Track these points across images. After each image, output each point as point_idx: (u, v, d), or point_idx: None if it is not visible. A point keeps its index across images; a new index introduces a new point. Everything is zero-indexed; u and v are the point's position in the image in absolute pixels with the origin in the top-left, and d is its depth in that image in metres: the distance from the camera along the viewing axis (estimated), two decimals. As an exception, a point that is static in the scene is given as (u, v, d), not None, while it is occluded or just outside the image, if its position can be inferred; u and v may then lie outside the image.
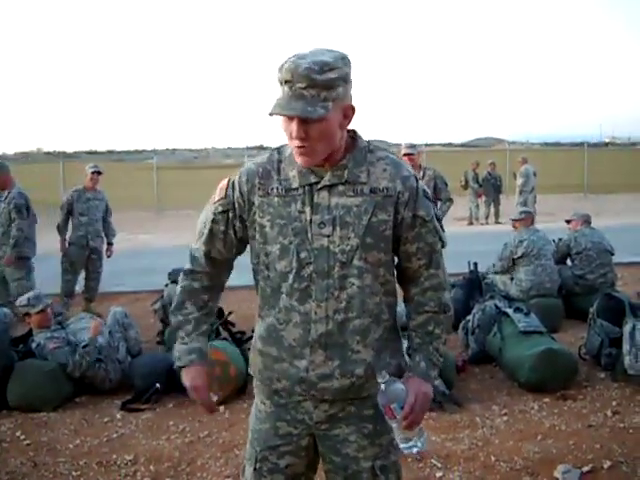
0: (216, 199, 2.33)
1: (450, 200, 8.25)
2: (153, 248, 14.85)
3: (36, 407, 5.48)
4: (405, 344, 2.39)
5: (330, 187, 2.16)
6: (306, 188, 2.17)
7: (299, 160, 2.13)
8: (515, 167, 19.84)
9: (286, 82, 2.02)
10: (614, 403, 5.32)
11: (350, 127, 2.19)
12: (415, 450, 2.20)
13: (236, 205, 2.28)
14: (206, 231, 2.35)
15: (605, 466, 4.26)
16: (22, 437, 5.02)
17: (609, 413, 5.12)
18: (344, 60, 2.07)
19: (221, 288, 2.49)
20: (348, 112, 2.13)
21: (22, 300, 6.03)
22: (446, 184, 8.31)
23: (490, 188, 19.70)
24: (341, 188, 2.16)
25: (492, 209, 19.89)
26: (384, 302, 2.26)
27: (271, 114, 2.06)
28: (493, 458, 4.43)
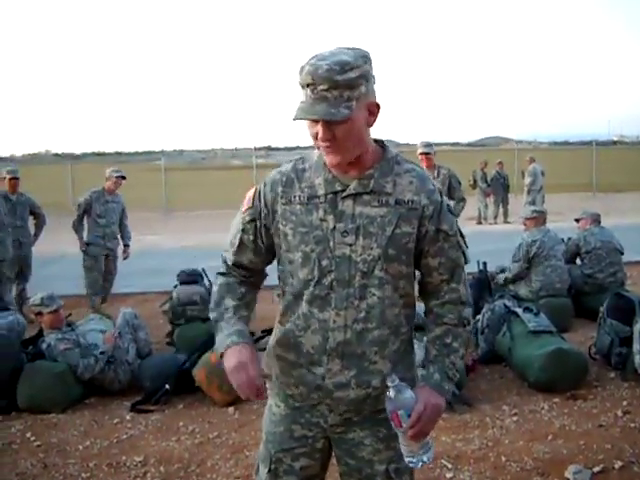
0: (244, 208, 2.33)
1: (463, 200, 8.27)
2: (161, 249, 14.87)
3: (46, 408, 5.50)
4: (419, 354, 2.36)
5: (355, 196, 2.15)
6: (329, 196, 2.17)
7: (328, 159, 2.12)
8: (523, 166, 19.81)
9: (308, 85, 2.01)
10: (625, 403, 5.30)
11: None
12: (420, 465, 2.14)
13: (262, 214, 2.27)
14: (237, 241, 2.34)
15: (616, 466, 4.24)
16: (32, 438, 5.03)
17: (620, 413, 5.10)
18: (364, 58, 2.06)
19: (257, 287, 2.45)
20: (373, 109, 2.12)
21: (35, 299, 6.04)
22: (460, 183, 8.33)
23: (499, 187, 19.68)
24: (366, 197, 2.15)
25: (501, 208, 19.86)
26: (403, 314, 2.24)
27: (295, 119, 2.05)
28: (503, 458, 4.42)
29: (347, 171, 2.16)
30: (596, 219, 8.41)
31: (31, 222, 9.28)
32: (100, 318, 7.12)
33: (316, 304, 2.18)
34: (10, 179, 8.88)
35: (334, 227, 2.15)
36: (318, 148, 2.13)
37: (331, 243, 2.15)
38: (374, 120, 2.14)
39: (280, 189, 2.24)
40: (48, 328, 5.92)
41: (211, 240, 15.28)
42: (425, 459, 2.13)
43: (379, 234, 2.13)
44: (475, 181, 19.82)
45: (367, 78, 2.07)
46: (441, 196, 2.22)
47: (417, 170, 2.23)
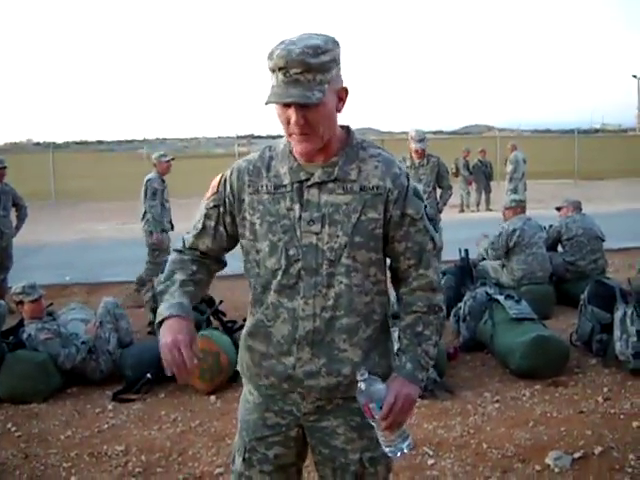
0: (209, 195, 2.32)
1: (450, 188, 8.35)
2: (144, 238, 14.78)
3: (26, 398, 5.47)
4: (396, 343, 2.36)
5: (320, 184, 2.14)
6: (295, 185, 2.16)
7: (299, 147, 2.10)
8: (506, 154, 19.86)
9: (280, 69, 1.99)
10: (605, 389, 5.33)
11: (339, 116, 2.16)
12: (399, 454, 2.12)
13: (227, 201, 2.26)
14: (199, 225, 2.34)
15: (596, 452, 4.27)
16: (13, 428, 5.00)
17: (600, 399, 5.13)
18: (334, 42, 2.05)
19: (210, 272, 2.41)
20: (342, 94, 2.12)
21: (17, 288, 6.00)
22: (447, 172, 8.39)
23: (481, 175, 19.71)
24: (331, 186, 2.14)
25: (483, 196, 19.90)
26: (376, 301, 2.23)
27: (268, 103, 2.03)
28: (485, 445, 4.44)
29: (313, 158, 2.15)
30: (577, 207, 8.46)
31: (12, 214, 9.19)
32: (81, 307, 7.09)
33: (284, 293, 2.18)
34: None
35: (300, 216, 2.14)
36: (289, 135, 2.11)
37: (298, 232, 2.14)
38: (343, 105, 2.14)
39: (247, 178, 2.23)
40: (29, 318, 5.88)
41: (193, 229, 15.26)
42: (404, 448, 2.11)
43: (344, 222, 2.12)
44: (457, 169, 19.84)
45: (337, 62, 2.06)
46: (408, 180, 2.20)
47: (383, 155, 2.22)
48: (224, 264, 2.46)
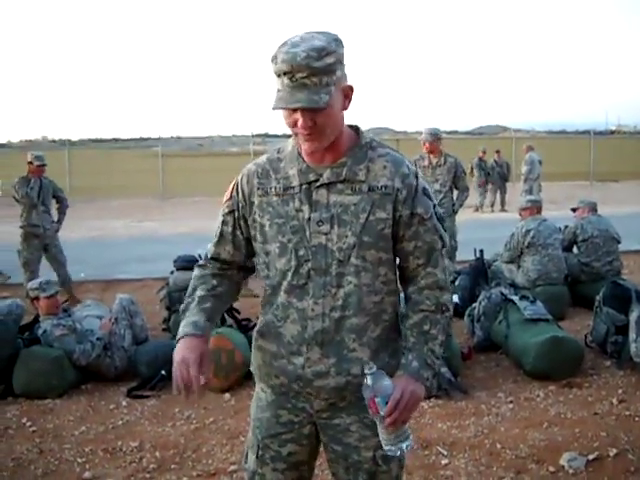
0: (224, 200, 2.34)
1: (467, 189, 8.29)
2: (158, 235, 14.85)
3: (42, 394, 5.50)
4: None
5: (329, 185, 2.15)
6: (304, 187, 2.16)
7: (306, 146, 2.10)
8: (521, 155, 19.77)
9: (285, 73, 1.99)
10: (620, 391, 5.31)
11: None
12: (398, 453, 2.11)
13: (239, 206, 2.28)
14: (217, 232, 2.36)
15: (611, 454, 4.25)
16: (28, 424, 5.03)
17: (615, 401, 5.11)
18: (337, 42, 2.05)
19: (233, 282, 2.42)
20: (348, 92, 2.12)
21: (34, 283, 6.04)
22: (465, 173, 8.36)
23: (496, 176, 19.65)
24: (340, 186, 2.15)
25: (498, 197, 19.83)
26: (387, 302, 2.23)
27: (275, 108, 2.03)
28: (499, 445, 4.43)
29: (322, 158, 2.16)
30: (593, 208, 8.43)
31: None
32: (96, 304, 7.12)
33: (294, 294, 2.18)
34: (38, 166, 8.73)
35: (309, 217, 2.15)
36: (296, 135, 2.12)
37: (307, 233, 2.15)
38: (349, 103, 2.14)
39: (256, 181, 2.24)
40: (44, 314, 5.91)
41: (208, 226, 15.31)
42: (404, 447, 2.10)
43: (353, 222, 2.13)
44: (472, 169, 19.77)
45: (341, 62, 2.06)
46: (417, 179, 2.19)
47: (391, 154, 2.21)
48: (251, 270, 2.46)
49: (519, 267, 7.83)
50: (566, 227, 8.38)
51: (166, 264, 7.96)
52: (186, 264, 7.31)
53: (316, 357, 2.18)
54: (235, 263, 2.39)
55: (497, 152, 20.38)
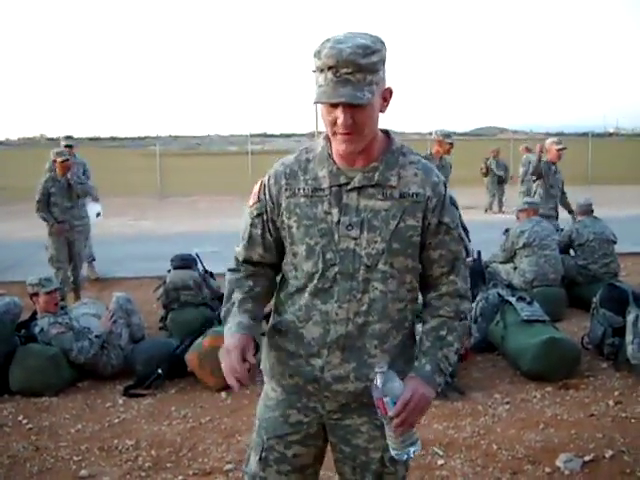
0: (251, 203, 2.30)
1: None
2: (156, 234, 14.83)
3: (38, 392, 5.49)
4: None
5: (360, 189, 2.13)
6: (333, 189, 2.14)
7: (342, 147, 2.07)
8: (519, 156, 19.72)
9: (330, 68, 1.97)
10: (616, 393, 5.32)
11: None
12: (405, 457, 2.10)
13: (268, 208, 2.25)
14: (246, 236, 2.32)
15: (607, 455, 4.26)
16: (24, 421, 5.02)
17: (611, 403, 5.11)
18: (382, 43, 2.04)
19: (270, 280, 2.39)
20: (387, 95, 2.10)
21: (33, 279, 6.02)
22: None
23: (494, 177, 19.59)
24: (371, 191, 2.13)
25: (496, 198, 19.77)
26: (409, 309, 2.23)
27: (317, 102, 2.02)
28: (495, 446, 4.44)
29: (354, 161, 2.14)
30: (587, 210, 8.41)
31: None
32: (93, 302, 7.11)
33: (319, 296, 2.17)
34: (61, 162, 8.59)
35: (339, 220, 2.13)
36: (332, 134, 2.08)
37: (335, 236, 2.13)
38: (387, 106, 2.12)
39: (284, 181, 2.21)
40: (42, 311, 5.90)
41: (205, 225, 15.28)
42: (411, 452, 2.09)
43: (383, 228, 2.11)
44: (487, 169, 19.63)
45: (384, 63, 2.05)
46: (445, 188, 2.19)
47: (422, 162, 2.21)
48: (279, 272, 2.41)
49: (515, 268, 7.84)
50: (561, 230, 8.40)
51: (163, 263, 7.94)
52: (183, 263, 7.30)
53: (336, 361, 2.17)
54: (267, 264, 2.36)
55: (494, 152, 20.30)
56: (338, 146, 2.09)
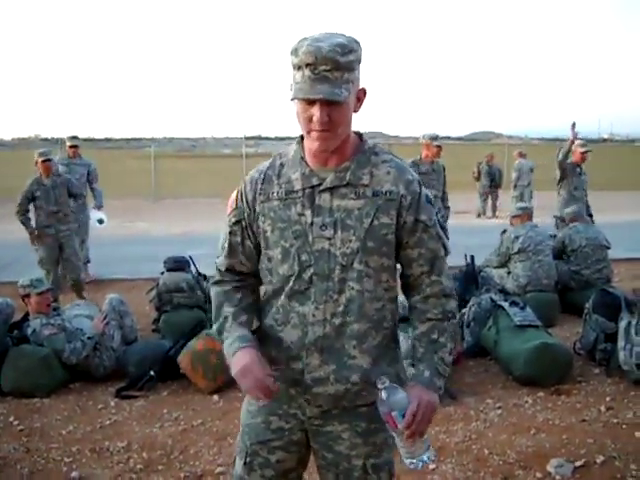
0: (229, 211, 2.32)
1: (448, 200, 8.24)
2: (150, 236, 14.80)
3: (29, 393, 5.48)
4: (403, 347, 2.33)
5: (332, 189, 2.13)
6: (306, 191, 2.15)
7: (316, 145, 2.08)
8: (513, 161, 19.73)
9: (307, 65, 1.98)
10: (608, 398, 5.33)
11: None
12: (421, 465, 2.10)
13: (245, 214, 2.26)
14: (226, 245, 2.32)
15: (598, 461, 4.27)
16: (15, 422, 5.01)
17: (603, 408, 5.12)
18: (357, 43, 2.06)
19: (254, 291, 2.38)
20: (361, 95, 2.12)
21: (24, 281, 6.00)
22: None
23: (485, 182, 19.59)
24: (343, 190, 2.13)
25: (489, 203, 19.78)
26: (387, 309, 2.22)
27: (294, 99, 2.03)
28: (486, 451, 4.44)
29: (327, 161, 2.15)
30: (580, 216, 8.42)
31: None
32: (86, 304, 7.10)
33: (295, 298, 2.17)
34: (42, 161, 8.30)
35: (312, 222, 2.13)
36: (307, 132, 2.08)
37: (310, 237, 2.13)
38: (360, 106, 2.14)
39: (259, 187, 2.22)
40: (35, 312, 5.89)
41: (199, 228, 15.26)
42: (425, 459, 2.09)
43: (357, 227, 2.12)
44: (479, 174, 19.65)
45: (360, 63, 2.07)
46: (420, 187, 2.19)
47: (395, 160, 2.21)
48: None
49: (509, 273, 7.85)
50: (554, 236, 8.42)
51: (157, 265, 7.93)
52: (176, 265, 7.30)
53: (316, 363, 2.17)
54: (250, 273, 2.35)
55: (488, 156, 20.32)
56: (312, 144, 2.10)
